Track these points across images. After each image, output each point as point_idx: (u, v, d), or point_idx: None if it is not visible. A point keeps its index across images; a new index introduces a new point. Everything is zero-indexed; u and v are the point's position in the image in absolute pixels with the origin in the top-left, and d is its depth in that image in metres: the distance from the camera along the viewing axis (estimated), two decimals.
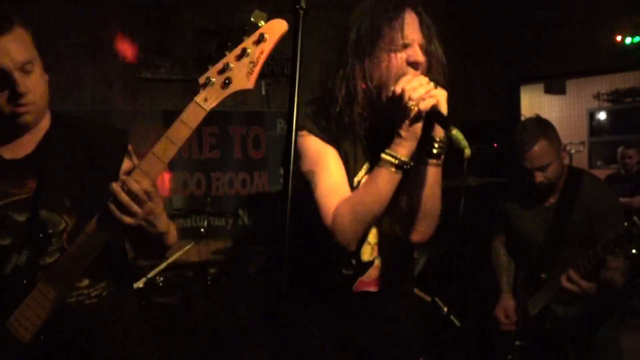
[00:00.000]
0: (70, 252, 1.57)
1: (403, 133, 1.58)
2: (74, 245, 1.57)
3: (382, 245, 1.77)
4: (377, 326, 1.82)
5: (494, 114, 5.68)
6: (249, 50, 1.42)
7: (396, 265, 1.82)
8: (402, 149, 1.59)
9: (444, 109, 1.54)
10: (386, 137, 1.63)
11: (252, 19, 1.42)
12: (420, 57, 1.62)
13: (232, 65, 1.43)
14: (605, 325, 2.73)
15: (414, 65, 1.62)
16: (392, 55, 1.61)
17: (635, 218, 2.36)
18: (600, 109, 8.75)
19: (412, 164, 1.61)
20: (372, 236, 1.75)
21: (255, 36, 1.42)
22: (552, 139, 2.65)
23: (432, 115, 1.56)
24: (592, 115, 8.86)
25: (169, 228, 1.64)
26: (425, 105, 1.53)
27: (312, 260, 1.77)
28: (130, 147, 1.80)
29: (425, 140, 1.61)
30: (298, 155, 1.67)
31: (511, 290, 2.89)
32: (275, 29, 1.43)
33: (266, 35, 1.42)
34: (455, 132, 1.51)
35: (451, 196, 2.05)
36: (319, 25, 4.99)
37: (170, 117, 4.94)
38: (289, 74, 1.20)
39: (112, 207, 1.47)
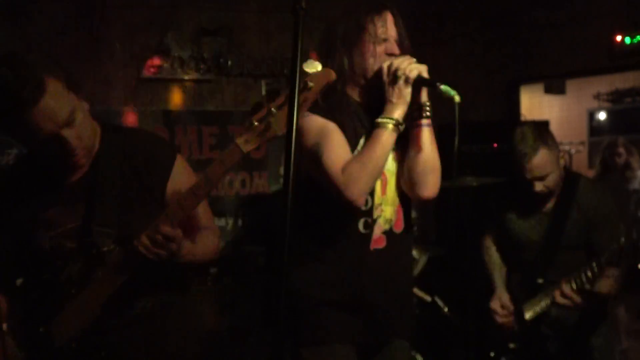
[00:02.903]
0: (106, 273, 1.66)
1: (394, 99, 1.89)
2: (108, 266, 1.66)
3: (385, 203, 2.01)
4: (389, 282, 2.02)
5: (494, 114, 5.68)
6: None
7: (398, 222, 2.05)
8: (396, 113, 1.89)
9: (426, 76, 1.88)
10: (379, 111, 1.92)
11: (304, 68, 1.48)
12: (396, 50, 1.95)
13: (274, 111, 1.51)
14: (601, 329, 2.74)
15: (391, 56, 1.94)
16: (375, 46, 1.93)
17: None
18: (600, 109, 8.74)
19: (404, 124, 1.91)
20: (376, 196, 1.98)
21: (300, 85, 1.46)
22: (552, 148, 2.64)
23: (419, 82, 1.89)
24: (592, 115, 8.86)
25: (202, 256, 1.81)
26: (412, 74, 1.86)
27: (336, 228, 1.97)
28: (179, 160, 1.85)
29: (417, 107, 1.95)
30: (301, 134, 1.87)
31: (505, 287, 2.89)
32: (321, 78, 1.51)
33: (310, 84, 1.48)
34: (443, 86, 1.83)
35: (451, 197, 2.18)
36: (319, 25, 4.99)
37: (170, 117, 4.95)
38: (289, 73, 1.20)
39: (142, 249, 1.60)
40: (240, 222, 5.05)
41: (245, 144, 1.52)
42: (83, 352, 1.68)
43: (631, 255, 2.39)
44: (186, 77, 4.91)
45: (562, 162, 2.72)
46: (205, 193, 1.59)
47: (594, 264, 2.50)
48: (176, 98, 4.90)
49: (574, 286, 2.56)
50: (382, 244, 2.01)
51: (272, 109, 1.50)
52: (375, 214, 1.98)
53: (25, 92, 1.52)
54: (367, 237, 1.98)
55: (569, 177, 2.75)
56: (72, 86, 1.68)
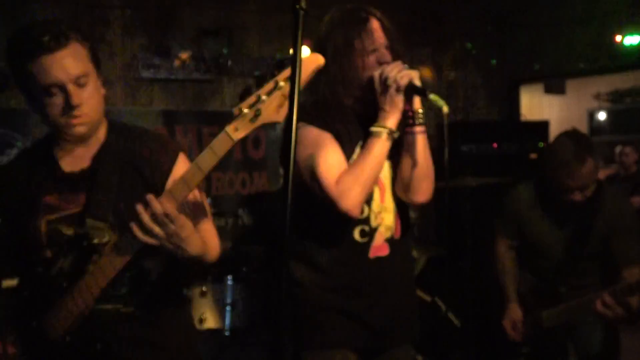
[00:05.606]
0: (99, 263, 1.64)
1: (387, 107, 1.87)
2: (102, 257, 1.64)
3: (385, 211, 2.00)
4: (393, 289, 2.02)
5: (494, 114, 5.69)
6: (281, 84, 1.46)
7: (398, 228, 2.04)
8: (389, 121, 1.88)
9: (417, 83, 1.86)
10: (372, 121, 1.91)
11: (291, 52, 1.45)
12: (388, 58, 1.94)
13: (263, 98, 1.48)
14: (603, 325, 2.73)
15: (383, 64, 1.92)
16: (365, 59, 1.92)
17: None
18: (600, 109, 8.75)
19: (398, 133, 1.91)
20: (376, 204, 1.97)
21: (288, 70, 1.44)
22: (597, 159, 2.60)
23: (410, 89, 1.87)
24: (592, 115, 8.87)
25: (203, 250, 1.70)
26: (403, 81, 1.84)
27: (328, 237, 1.96)
28: (182, 158, 1.83)
29: (410, 114, 1.94)
30: (297, 145, 1.76)
31: (517, 298, 2.85)
32: (309, 63, 1.47)
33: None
34: (432, 96, 1.82)
35: (452, 197, 2.16)
36: (318, 25, 4.99)
37: (170, 117, 4.95)
38: (289, 73, 1.21)
39: (135, 226, 1.55)
40: (240, 222, 5.05)
41: (235, 132, 1.50)
42: (78, 345, 1.67)
43: None
44: (186, 77, 4.91)
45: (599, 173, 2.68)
46: (197, 182, 1.56)
47: (634, 282, 2.45)
48: (176, 98, 4.91)
49: (618, 297, 2.47)
50: (385, 252, 1.99)
51: (262, 95, 1.47)
52: (376, 222, 1.97)
53: (46, 39, 1.59)
54: (365, 245, 1.96)
55: (596, 186, 2.70)
56: (95, 60, 1.72)
